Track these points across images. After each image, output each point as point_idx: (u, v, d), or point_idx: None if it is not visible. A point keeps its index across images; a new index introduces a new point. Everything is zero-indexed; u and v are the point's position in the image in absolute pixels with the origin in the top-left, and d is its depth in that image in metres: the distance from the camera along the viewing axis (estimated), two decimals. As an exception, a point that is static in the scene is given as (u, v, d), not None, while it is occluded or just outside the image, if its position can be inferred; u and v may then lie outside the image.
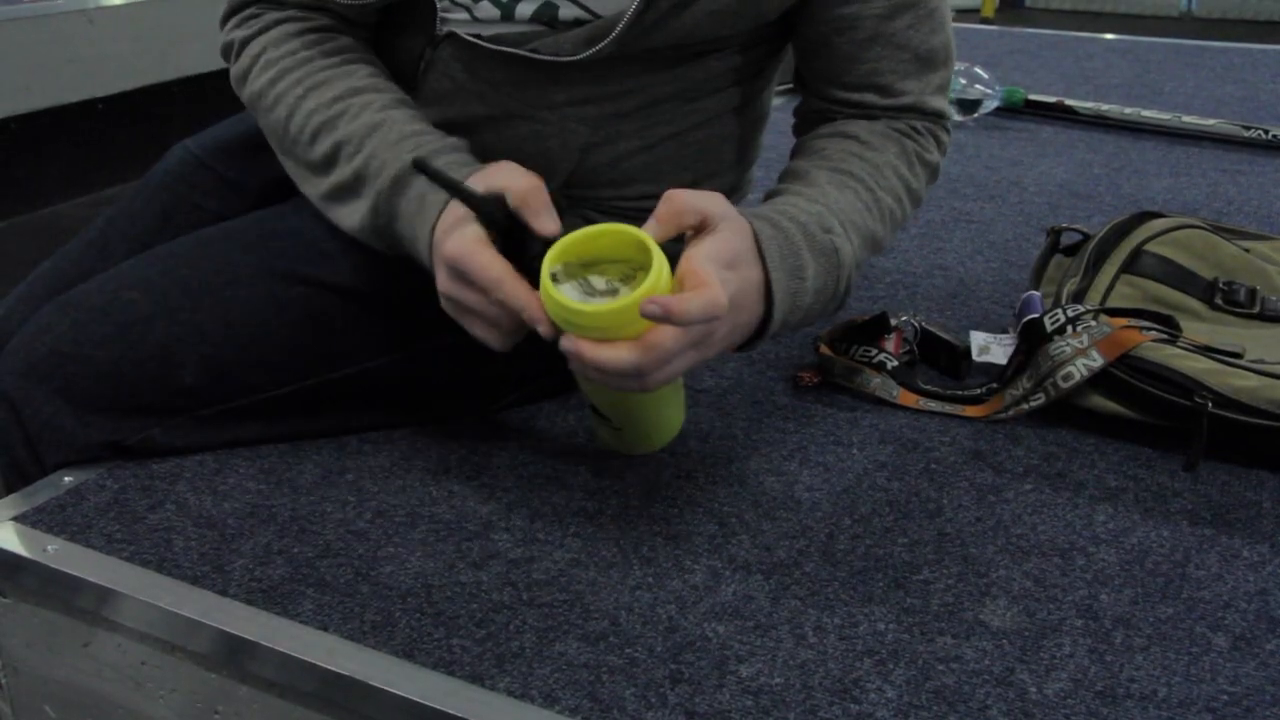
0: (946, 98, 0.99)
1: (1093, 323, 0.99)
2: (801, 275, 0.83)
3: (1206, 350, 0.97)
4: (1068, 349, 0.98)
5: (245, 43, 0.95)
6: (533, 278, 0.76)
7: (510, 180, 0.79)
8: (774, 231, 0.82)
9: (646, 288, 0.71)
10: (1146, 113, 1.96)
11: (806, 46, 0.95)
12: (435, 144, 0.87)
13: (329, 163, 0.89)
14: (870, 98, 0.94)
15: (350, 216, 0.89)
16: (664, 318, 0.71)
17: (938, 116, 0.98)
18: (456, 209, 0.80)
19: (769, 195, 0.91)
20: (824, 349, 1.08)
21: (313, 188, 0.92)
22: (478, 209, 0.78)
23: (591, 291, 0.76)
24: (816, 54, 0.95)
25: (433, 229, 0.82)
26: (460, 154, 0.87)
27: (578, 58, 0.87)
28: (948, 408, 1.03)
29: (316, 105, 0.90)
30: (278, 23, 0.94)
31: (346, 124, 0.88)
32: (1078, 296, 1.09)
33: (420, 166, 0.78)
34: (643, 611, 0.78)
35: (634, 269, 0.77)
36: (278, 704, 0.77)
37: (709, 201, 0.79)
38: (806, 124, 1.00)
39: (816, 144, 0.95)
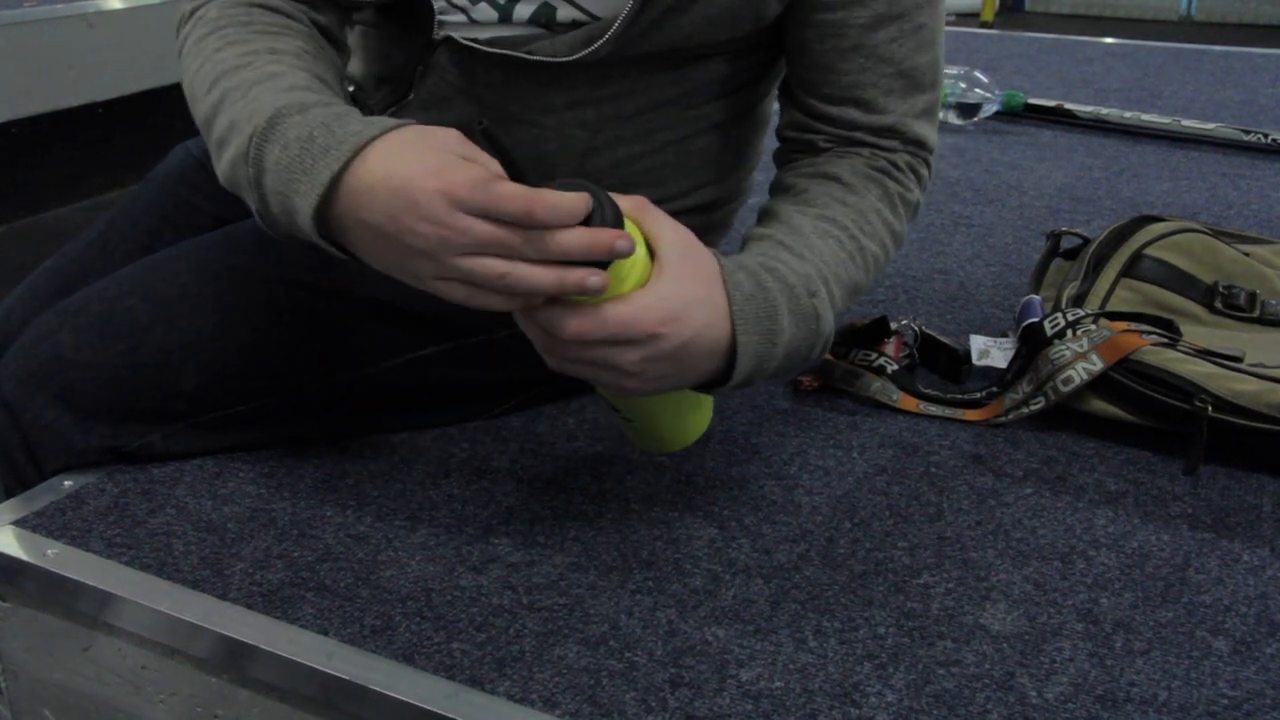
0: (933, 127, 0.96)
1: (1092, 327, 0.99)
2: (774, 340, 0.79)
3: (1206, 354, 0.97)
4: (1068, 353, 0.98)
5: (196, 9, 0.89)
6: None
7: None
8: (755, 289, 0.79)
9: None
10: (1146, 117, 1.96)
11: (792, 52, 0.94)
12: (331, 100, 0.78)
13: (213, 114, 0.79)
14: (851, 113, 0.92)
15: (221, 164, 0.79)
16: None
17: (919, 145, 0.94)
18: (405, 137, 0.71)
19: (750, 238, 0.88)
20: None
21: (208, 145, 0.82)
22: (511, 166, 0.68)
23: None
24: (801, 61, 0.93)
25: (334, 180, 0.71)
26: (356, 114, 0.77)
27: (573, 58, 0.87)
28: (948, 411, 1.03)
29: (227, 56, 0.82)
30: None
31: (243, 74, 0.79)
32: (1077, 300, 1.09)
33: (487, 131, 0.66)
34: (643, 615, 0.78)
35: None
36: (278, 708, 0.77)
37: (672, 232, 0.76)
38: (787, 147, 0.97)
39: (798, 184, 0.92)
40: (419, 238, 0.69)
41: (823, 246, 0.86)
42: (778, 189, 0.94)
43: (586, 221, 0.69)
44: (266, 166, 0.74)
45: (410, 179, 0.69)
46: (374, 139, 0.71)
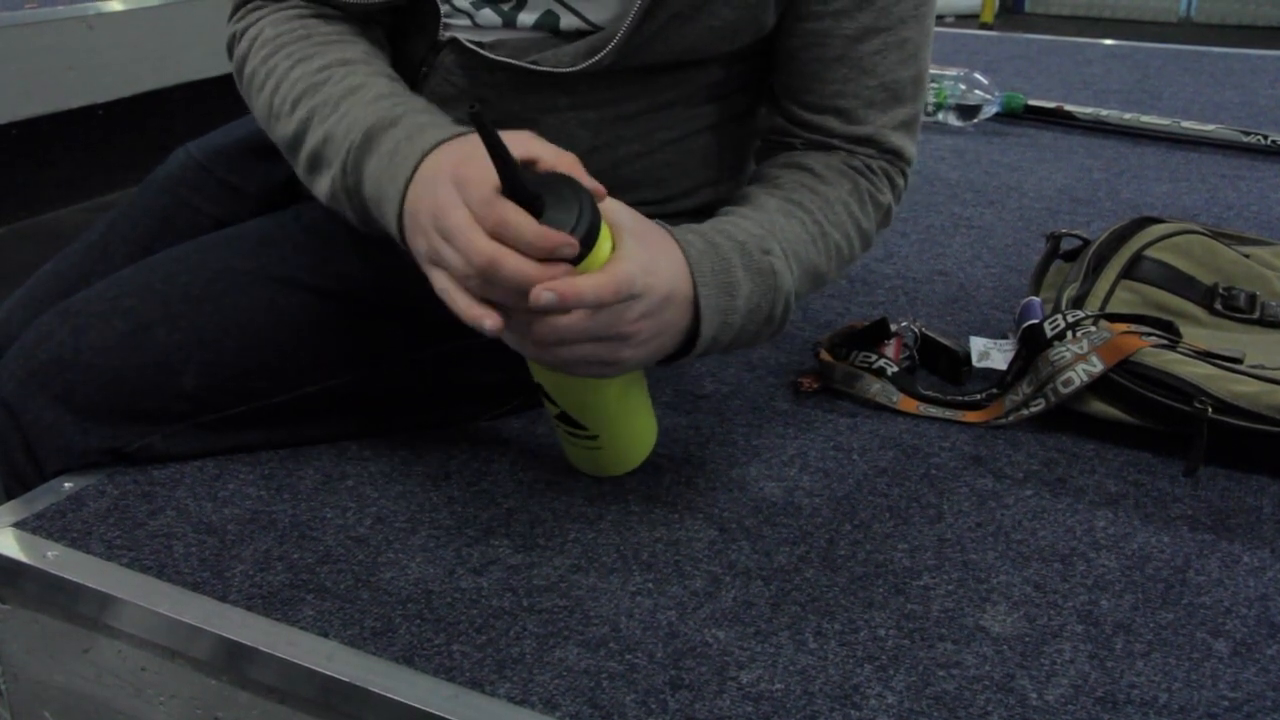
0: (912, 139, 0.97)
1: (1093, 328, 0.99)
2: (733, 293, 0.82)
3: (1206, 355, 0.97)
4: (1068, 354, 0.98)
5: (246, 30, 0.94)
6: None
7: (542, 151, 0.76)
8: (706, 246, 0.81)
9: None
10: (1146, 118, 1.96)
11: (778, 59, 0.95)
12: (414, 105, 0.84)
13: (303, 130, 0.86)
14: (830, 121, 0.93)
15: (321, 183, 0.86)
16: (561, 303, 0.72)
17: (896, 155, 0.96)
18: (458, 147, 0.77)
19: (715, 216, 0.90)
20: (824, 354, 1.08)
21: (295, 163, 0.89)
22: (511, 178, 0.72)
23: None
24: (786, 68, 0.94)
25: (407, 182, 0.78)
26: (441, 118, 0.84)
27: (576, 69, 0.87)
28: (948, 413, 1.03)
29: (302, 74, 0.88)
30: (281, 9, 0.93)
31: (327, 89, 0.86)
32: (1077, 302, 1.09)
33: (478, 119, 0.68)
34: (643, 617, 0.78)
35: None
36: (278, 710, 0.77)
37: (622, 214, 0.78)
38: (767, 149, 0.99)
39: (771, 172, 0.94)
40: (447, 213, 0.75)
41: (784, 223, 0.88)
42: (753, 179, 0.96)
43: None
44: (364, 175, 0.82)
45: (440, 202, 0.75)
46: (436, 147, 0.79)
